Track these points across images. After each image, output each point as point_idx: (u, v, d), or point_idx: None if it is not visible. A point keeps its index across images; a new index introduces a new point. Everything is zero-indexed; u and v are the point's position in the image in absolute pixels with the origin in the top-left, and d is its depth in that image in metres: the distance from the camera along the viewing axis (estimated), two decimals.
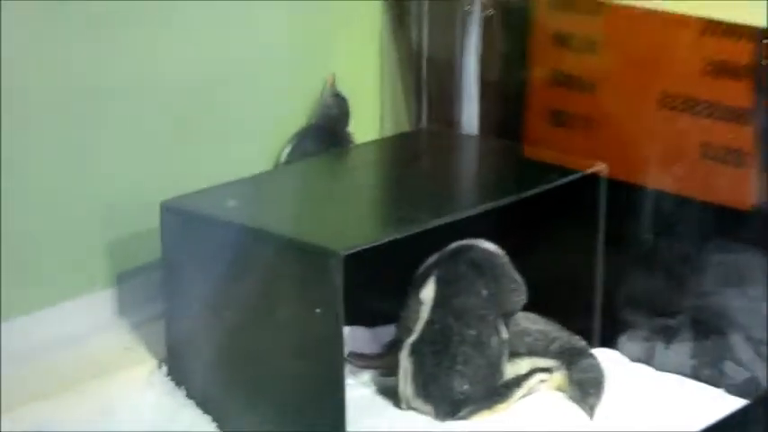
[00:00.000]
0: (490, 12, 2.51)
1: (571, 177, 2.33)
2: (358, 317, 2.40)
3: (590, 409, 2.28)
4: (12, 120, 2.26)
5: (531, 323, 2.37)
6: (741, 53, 2.26)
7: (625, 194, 2.39)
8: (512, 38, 2.52)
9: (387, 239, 2.12)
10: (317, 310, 2.06)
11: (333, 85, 2.61)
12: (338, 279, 2.03)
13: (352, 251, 2.04)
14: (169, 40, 2.44)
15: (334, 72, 2.63)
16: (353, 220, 2.27)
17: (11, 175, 2.28)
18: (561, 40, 2.44)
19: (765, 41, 2.23)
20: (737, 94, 2.26)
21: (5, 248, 2.30)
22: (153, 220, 2.24)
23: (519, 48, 2.51)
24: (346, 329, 2.34)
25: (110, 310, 2.45)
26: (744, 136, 2.27)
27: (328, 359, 2.09)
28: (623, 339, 2.46)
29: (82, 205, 2.40)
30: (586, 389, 2.31)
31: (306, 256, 2.08)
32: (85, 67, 2.34)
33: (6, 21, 2.21)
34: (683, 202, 2.35)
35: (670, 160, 2.35)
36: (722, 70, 2.28)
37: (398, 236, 2.14)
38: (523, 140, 2.51)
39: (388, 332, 2.39)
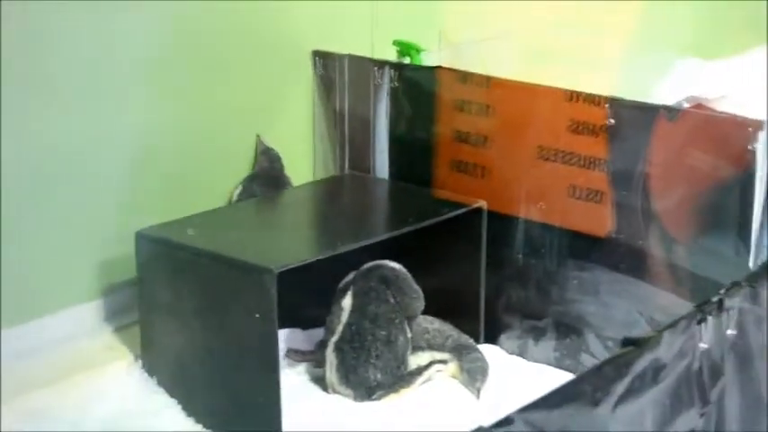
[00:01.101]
0: (395, 84, 2.64)
1: (459, 211, 2.47)
2: (295, 321, 2.52)
3: (477, 392, 2.42)
4: (9, 161, 2.32)
5: (430, 324, 2.50)
6: (597, 116, 2.36)
7: (505, 224, 2.50)
8: (415, 103, 2.63)
9: (313, 259, 2.27)
10: (257, 315, 2.18)
11: (261, 143, 2.71)
12: (273, 290, 2.15)
13: (284, 268, 2.17)
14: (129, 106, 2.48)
15: (259, 134, 2.69)
16: (287, 245, 2.40)
17: (13, 204, 2.33)
18: (459, 106, 2.55)
19: (609, 105, 2.34)
20: (595, 147, 2.37)
21: (9, 266, 2.35)
22: (131, 245, 2.34)
23: (422, 111, 2.61)
24: (285, 331, 2.49)
25: (96, 317, 2.53)
26: (601, 179, 2.38)
27: (267, 353, 2.22)
28: (502, 337, 2.59)
29: (73, 232, 2.46)
30: (474, 376, 2.44)
31: (248, 272, 2.21)
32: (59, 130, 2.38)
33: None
34: (551, 230, 2.46)
35: (543, 198, 2.45)
36: (582, 129, 2.39)
37: (322, 256, 2.28)
38: (431, 184, 2.59)
39: (318, 333, 2.50)
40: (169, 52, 2.54)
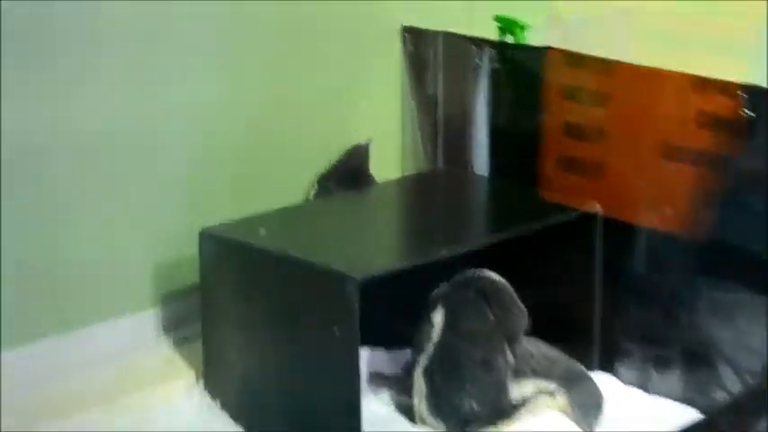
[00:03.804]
0: (496, 66, 2.64)
1: (569, 216, 2.45)
2: (379, 339, 2.51)
3: (589, 429, 2.37)
4: (60, 151, 2.37)
5: (535, 347, 2.44)
6: (729, 107, 2.32)
7: (623, 232, 2.47)
8: (519, 89, 2.63)
9: (401, 267, 2.26)
10: (336, 330, 2.17)
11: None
12: (355, 302, 2.14)
13: (368, 277, 2.16)
14: (202, 85, 2.54)
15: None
16: (372, 250, 2.39)
17: (67, 202, 2.40)
18: (571, 93, 2.54)
19: (743, 94, 2.31)
20: (728, 143, 2.34)
21: (61, 268, 2.41)
22: (193, 246, 2.36)
23: (527, 98, 2.60)
24: (367, 351, 2.49)
25: (153, 328, 2.56)
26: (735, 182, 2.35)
27: (347, 375, 2.19)
28: (619, 365, 2.54)
29: (131, 232, 2.50)
30: (586, 410, 2.40)
31: (326, 280, 2.20)
32: (122, 110, 2.44)
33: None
34: (677, 241, 2.42)
35: (668, 203, 2.42)
36: (713, 122, 2.35)
37: (412, 265, 2.27)
38: (535, 183, 2.58)
39: (405, 355, 2.47)
40: (237, 26, 2.55)
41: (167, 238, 2.52)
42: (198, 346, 2.42)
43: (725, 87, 2.34)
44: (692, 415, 2.38)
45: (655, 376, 2.50)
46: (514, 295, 2.40)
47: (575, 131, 2.53)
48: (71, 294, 2.43)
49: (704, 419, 1.65)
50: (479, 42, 2.67)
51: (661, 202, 2.44)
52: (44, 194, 2.38)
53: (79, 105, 2.39)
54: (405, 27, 2.80)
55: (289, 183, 2.68)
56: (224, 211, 2.46)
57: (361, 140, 2.76)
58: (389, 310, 2.42)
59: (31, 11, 2.28)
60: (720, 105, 2.34)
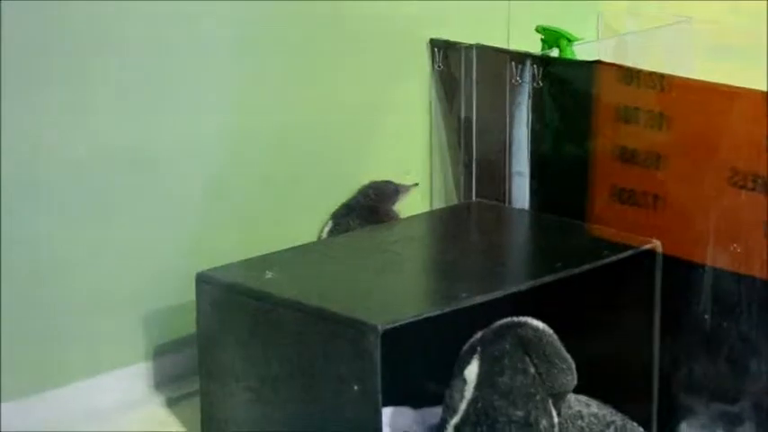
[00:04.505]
0: (539, 84, 2.55)
1: (624, 254, 2.35)
2: (404, 396, 2.41)
3: None
4: (46, 193, 2.32)
5: (584, 406, 2.34)
6: None
7: (685, 272, 2.38)
8: (565, 109, 2.55)
9: (429, 315, 2.16)
10: (355, 387, 2.09)
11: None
12: (376, 354, 2.07)
13: (391, 326, 2.07)
14: (209, 106, 2.50)
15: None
16: (395, 294, 2.30)
17: (48, 248, 2.34)
18: (625, 114, 2.46)
19: None
20: None
21: (43, 319, 2.34)
22: (189, 292, 2.28)
23: (574, 119, 2.52)
24: (390, 410, 2.40)
25: (145, 384, 2.47)
26: None
27: None
28: (682, 426, 2.44)
29: (117, 277, 2.43)
30: None
31: (343, 329, 2.12)
32: (117, 136, 2.39)
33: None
34: (748, 282, 2.34)
35: (737, 239, 2.34)
36: None
37: (441, 311, 2.17)
38: (584, 217, 2.51)
39: (434, 414, 2.36)
40: (250, 52, 2.51)
41: (163, 281, 2.44)
42: (195, 404, 2.33)
43: None
44: None
45: None
46: (560, 346, 2.28)
47: (629, 157, 2.43)
48: (55, 346, 2.36)
49: None
50: (519, 56, 2.57)
51: (728, 237, 2.36)
52: (30, 232, 2.30)
53: (71, 133, 2.33)
54: (433, 40, 2.71)
55: (303, 219, 2.62)
56: (229, 251, 2.37)
57: (385, 171, 2.68)
58: (416, 364, 2.36)
59: (36, 31, 2.24)
60: None
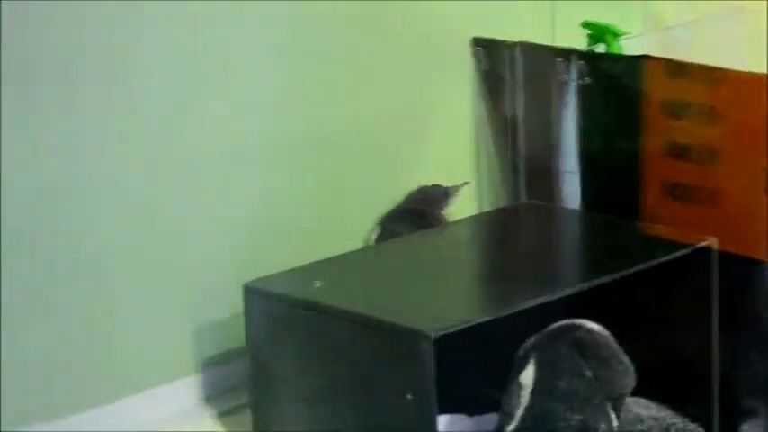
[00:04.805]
0: (586, 81, 2.54)
1: (679, 252, 2.31)
2: (459, 403, 2.39)
3: None
4: (93, 209, 2.33)
5: (644, 409, 2.33)
6: None
7: (742, 270, 2.36)
8: (614, 106, 2.53)
9: (482, 320, 2.13)
10: (409, 396, 2.06)
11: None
12: (429, 362, 2.04)
13: (444, 333, 2.05)
14: (253, 112, 2.49)
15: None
16: (446, 300, 2.27)
17: (97, 263, 2.35)
18: (675, 109, 2.45)
19: None
20: None
21: (92, 335, 2.35)
22: (238, 304, 2.27)
23: (624, 116, 2.51)
24: (445, 418, 2.37)
25: (195, 397, 2.47)
26: None
27: None
28: (744, 427, 2.41)
29: (166, 290, 2.44)
30: None
31: (395, 338, 2.10)
32: (162, 144, 2.39)
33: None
34: None
35: None
36: None
37: (494, 317, 2.14)
38: (637, 216, 2.49)
39: (490, 420, 2.35)
40: (293, 44, 2.50)
41: (212, 293, 2.45)
42: (245, 419, 2.31)
43: None
44: None
45: None
46: (617, 348, 2.26)
47: (681, 153, 2.42)
48: (104, 362, 2.37)
49: None
50: (565, 53, 2.56)
51: None
52: (73, 247, 2.31)
53: (108, 144, 2.33)
54: (476, 39, 2.70)
55: (350, 226, 2.61)
56: (278, 261, 2.34)
57: (431, 175, 2.67)
58: (470, 371, 2.33)
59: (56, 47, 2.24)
60: None
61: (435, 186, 2.67)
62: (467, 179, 2.73)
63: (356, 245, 2.60)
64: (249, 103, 2.48)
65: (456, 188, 2.67)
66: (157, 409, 2.42)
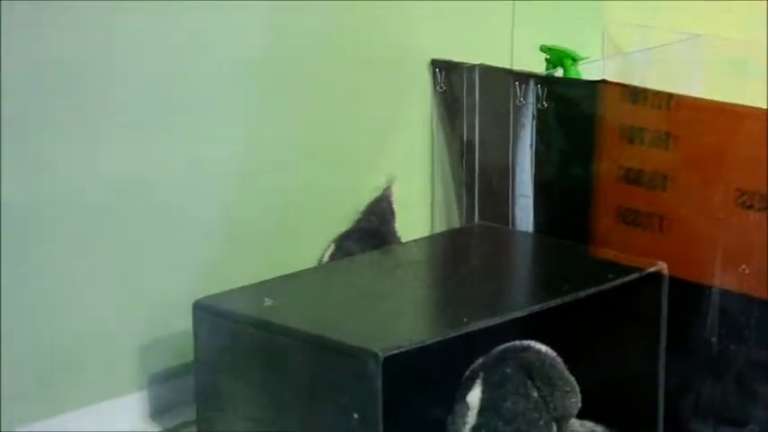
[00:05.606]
0: (543, 105, 2.56)
1: (630, 276, 2.34)
2: (405, 424, 2.36)
3: None
4: (39, 223, 2.32)
5: (589, 430, 2.35)
6: None
7: (692, 295, 2.38)
8: (570, 130, 2.55)
9: (432, 341, 2.14)
10: (355, 416, 2.08)
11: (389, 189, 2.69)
12: (377, 382, 2.04)
13: (393, 353, 2.06)
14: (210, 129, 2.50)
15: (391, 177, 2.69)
16: (396, 321, 2.28)
17: (38, 276, 2.33)
18: (630, 134, 2.46)
19: None
20: None
21: (33, 350, 2.33)
22: (187, 321, 2.28)
23: (579, 140, 2.52)
24: None
25: (138, 415, 2.47)
26: None
27: None
28: None
29: (111, 305, 2.43)
30: None
31: (343, 357, 2.10)
32: (119, 161, 2.39)
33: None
34: (757, 304, 2.34)
35: (745, 260, 2.35)
36: None
37: (444, 337, 2.16)
38: (589, 240, 2.51)
39: None
40: (257, 61, 2.50)
41: (152, 308, 2.44)
42: None
43: None
44: None
45: None
46: (563, 368, 2.28)
47: (635, 178, 2.44)
48: (47, 376, 2.34)
49: None
50: (522, 77, 2.57)
51: (737, 258, 2.35)
52: (33, 260, 2.30)
53: (75, 161, 2.33)
54: (434, 61, 2.71)
55: (306, 243, 2.61)
56: (236, 278, 2.35)
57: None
58: (418, 391, 2.31)
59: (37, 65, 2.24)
60: None
61: (379, 201, 2.67)
62: (422, 199, 2.74)
63: (313, 263, 2.59)
64: (212, 118, 2.48)
65: (389, 192, 2.67)
66: (101, 424, 2.39)
